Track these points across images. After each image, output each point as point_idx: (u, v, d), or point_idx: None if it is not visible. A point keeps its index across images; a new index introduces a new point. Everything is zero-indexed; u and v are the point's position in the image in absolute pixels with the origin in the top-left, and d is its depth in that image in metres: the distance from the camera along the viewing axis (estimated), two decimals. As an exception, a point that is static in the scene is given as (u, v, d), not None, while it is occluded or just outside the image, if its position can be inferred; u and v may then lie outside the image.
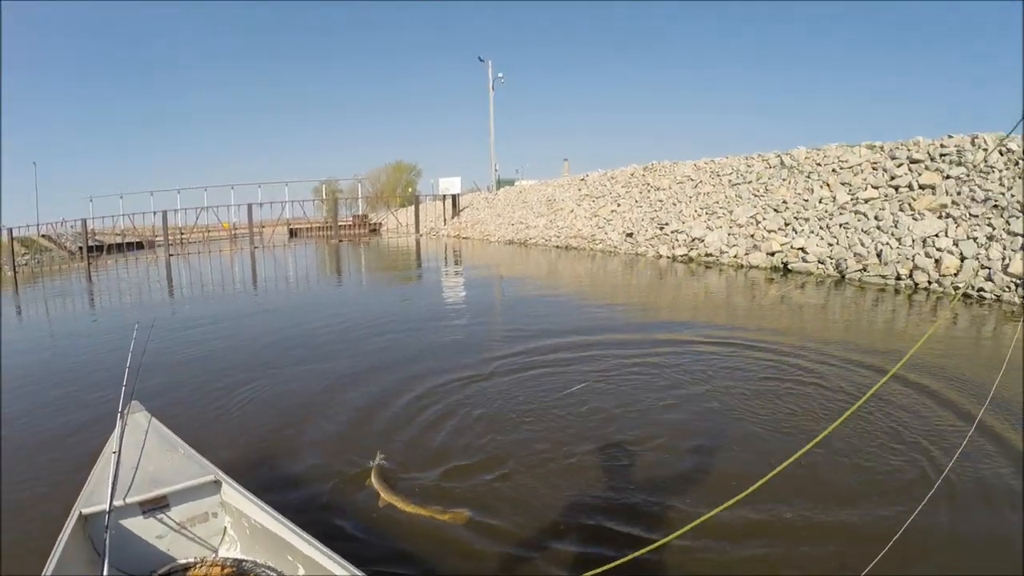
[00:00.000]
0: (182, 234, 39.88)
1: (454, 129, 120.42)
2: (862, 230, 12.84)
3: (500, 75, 41.64)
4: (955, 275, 10.20)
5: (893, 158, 14.19)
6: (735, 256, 15.24)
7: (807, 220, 14.48)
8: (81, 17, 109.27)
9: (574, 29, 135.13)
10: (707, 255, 16.17)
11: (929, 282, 10.45)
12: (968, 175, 12.13)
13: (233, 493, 2.58)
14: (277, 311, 11.63)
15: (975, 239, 10.54)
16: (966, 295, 9.65)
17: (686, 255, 16.88)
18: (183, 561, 2.57)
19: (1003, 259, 9.74)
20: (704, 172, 20.63)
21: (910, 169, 13.57)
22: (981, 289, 9.56)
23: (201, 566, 2.55)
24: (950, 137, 13.52)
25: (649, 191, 22.49)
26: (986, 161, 12.09)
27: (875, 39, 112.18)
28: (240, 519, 2.58)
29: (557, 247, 23.62)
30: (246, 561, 2.54)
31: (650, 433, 4.41)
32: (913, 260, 11.04)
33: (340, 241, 38.79)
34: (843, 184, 14.82)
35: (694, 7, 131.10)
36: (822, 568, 2.81)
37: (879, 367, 5.90)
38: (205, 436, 4.33)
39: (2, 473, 4.11)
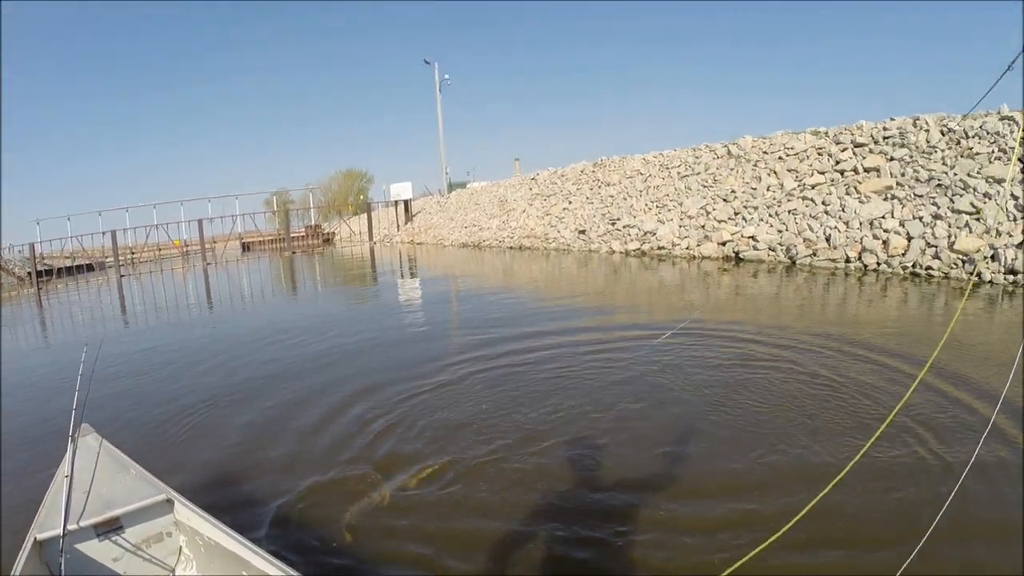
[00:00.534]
0: (133, 254, 38.28)
1: (404, 134, 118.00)
2: (810, 215, 12.70)
3: (447, 77, 41.05)
4: (903, 255, 10.05)
5: (838, 143, 14.16)
6: (687, 248, 14.98)
7: (756, 208, 14.32)
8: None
9: (519, 28, 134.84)
10: (659, 248, 15.88)
11: (878, 263, 10.29)
12: (911, 156, 12.11)
13: (186, 511, 2.58)
14: (229, 330, 10.77)
15: (921, 219, 10.44)
16: (914, 273, 9.51)
17: (639, 249, 16.57)
18: None
19: (949, 237, 9.64)
20: (653, 165, 20.45)
21: (855, 153, 13.53)
22: (929, 267, 9.43)
23: None
24: (892, 120, 13.54)
25: (600, 187, 22.21)
26: (928, 142, 12.10)
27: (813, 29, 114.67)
28: (195, 537, 2.58)
29: (511, 248, 23.12)
30: None
31: (615, 426, 4.36)
32: (861, 242, 10.89)
33: (294, 253, 37.53)
34: (790, 171, 14.73)
35: (636, 5, 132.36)
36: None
37: (840, 347, 5.95)
38: (153, 459, 4.13)
39: None
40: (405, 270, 20.48)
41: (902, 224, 10.62)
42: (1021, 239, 8.71)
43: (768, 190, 14.75)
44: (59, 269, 34.49)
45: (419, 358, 6.79)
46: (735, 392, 4.90)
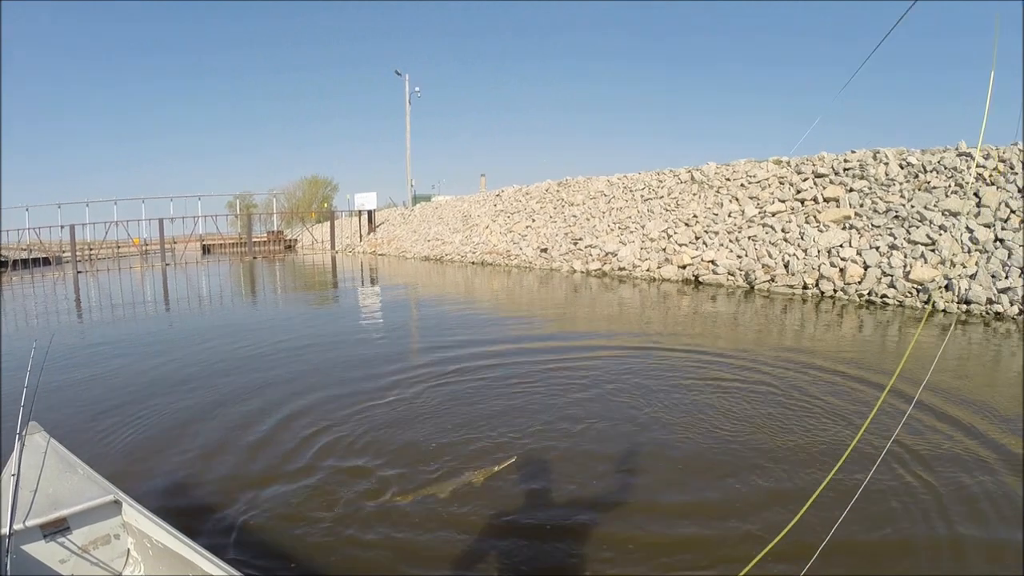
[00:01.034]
0: (91, 250, 36.53)
1: (370, 143, 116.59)
2: (770, 242, 12.61)
3: (417, 89, 40.68)
4: (859, 283, 9.95)
5: (799, 172, 14.20)
6: (647, 270, 14.76)
7: (717, 233, 14.21)
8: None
9: (492, 44, 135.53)
10: (620, 269, 15.63)
11: (835, 290, 10.15)
12: (871, 188, 12.16)
13: (134, 513, 2.54)
14: (185, 333, 9.97)
15: (877, 248, 10.39)
16: (869, 301, 9.38)
17: (600, 269, 16.29)
18: None
19: (904, 266, 9.57)
20: (617, 187, 20.36)
21: (815, 183, 13.57)
22: (884, 295, 9.32)
23: None
24: (853, 152, 13.65)
25: (563, 206, 22.02)
26: (887, 175, 12.18)
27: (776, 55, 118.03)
28: (143, 540, 2.54)
29: (473, 263, 22.67)
30: None
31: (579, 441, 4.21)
32: (819, 270, 10.78)
33: (255, 258, 36.46)
34: (751, 198, 14.71)
35: (609, 26, 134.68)
36: None
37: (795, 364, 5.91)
38: (99, 459, 3.93)
39: None
40: (367, 280, 19.82)
41: (859, 253, 10.55)
42: (975, 270, 8.66)
43: (729, 216, 14.68)
44: (15, 261, 32.85)
45: (369, 384, 6.04)
46: (696, 409, 4.73)
